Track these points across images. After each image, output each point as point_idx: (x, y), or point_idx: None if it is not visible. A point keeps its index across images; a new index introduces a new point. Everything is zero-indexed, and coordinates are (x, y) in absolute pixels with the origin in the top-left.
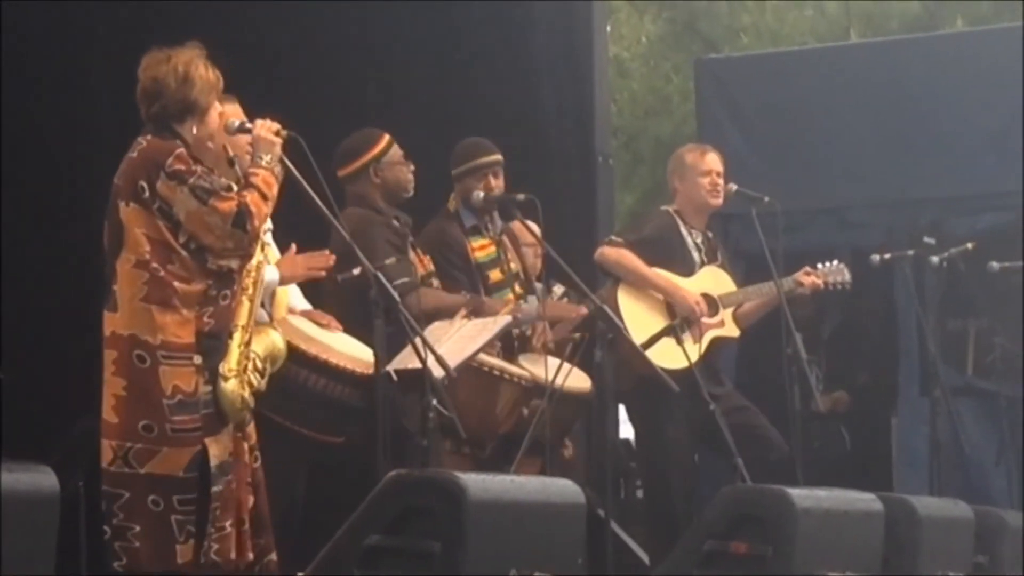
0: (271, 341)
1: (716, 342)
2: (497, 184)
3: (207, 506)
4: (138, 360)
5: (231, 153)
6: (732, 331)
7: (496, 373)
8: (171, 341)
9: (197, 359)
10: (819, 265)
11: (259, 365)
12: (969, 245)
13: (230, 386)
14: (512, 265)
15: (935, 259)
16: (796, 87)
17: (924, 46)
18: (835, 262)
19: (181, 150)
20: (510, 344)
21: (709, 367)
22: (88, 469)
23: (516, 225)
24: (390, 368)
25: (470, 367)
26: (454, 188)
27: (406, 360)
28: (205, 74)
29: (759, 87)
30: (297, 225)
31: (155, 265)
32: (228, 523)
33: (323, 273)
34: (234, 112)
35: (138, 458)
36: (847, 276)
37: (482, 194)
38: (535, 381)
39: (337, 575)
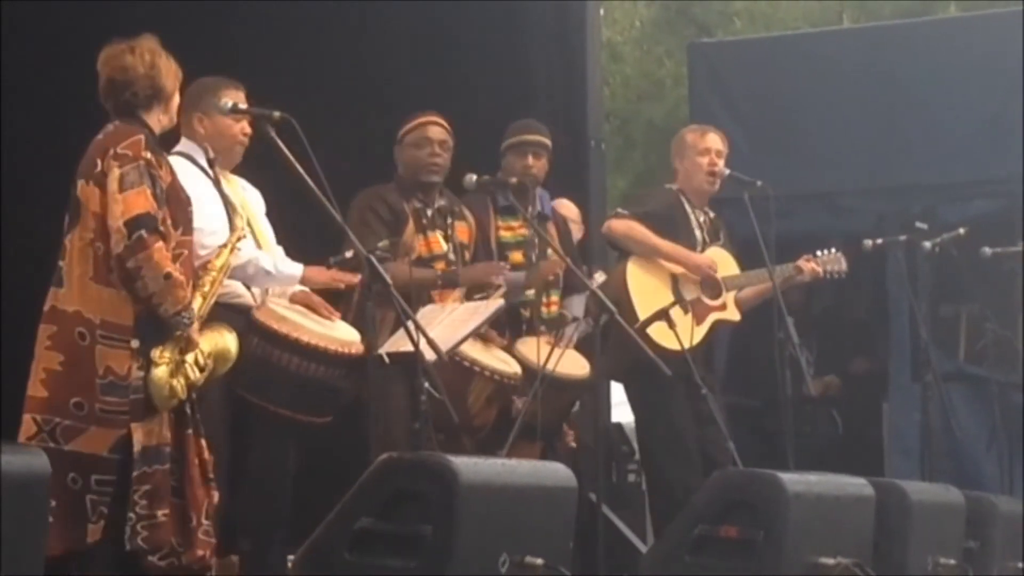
0: (223, 341)
1: (717, 325)
2: (536, 164)
3: (127, 490)
4: (79, 337)
5: None
6: (733, 315)
7: (467, 365)
8: (111, 321)
9: (134, 343)
10: (818, 253)
11: (201, 360)
12: (961, 231)
13: (159, 372)
14: (548, 252)
15: (927, 244)
16: (789, 72)
17: (917, 32)
18: (832, 250)
19: (139, 137)
20: (518, 326)
21: (706, 352)
22: None
23: (562, 207)
24: (382, 351)
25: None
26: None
27: (398, 343)
28: (167, 63)
29: (752, 72)
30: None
31: (99, 243)
32: (162, 512)
33: (342, 286)
34: (239, 100)
35: (65, 435)
36: (843, 265)
37: (474, 177)
38: (513, 377)
39: (328, 558)
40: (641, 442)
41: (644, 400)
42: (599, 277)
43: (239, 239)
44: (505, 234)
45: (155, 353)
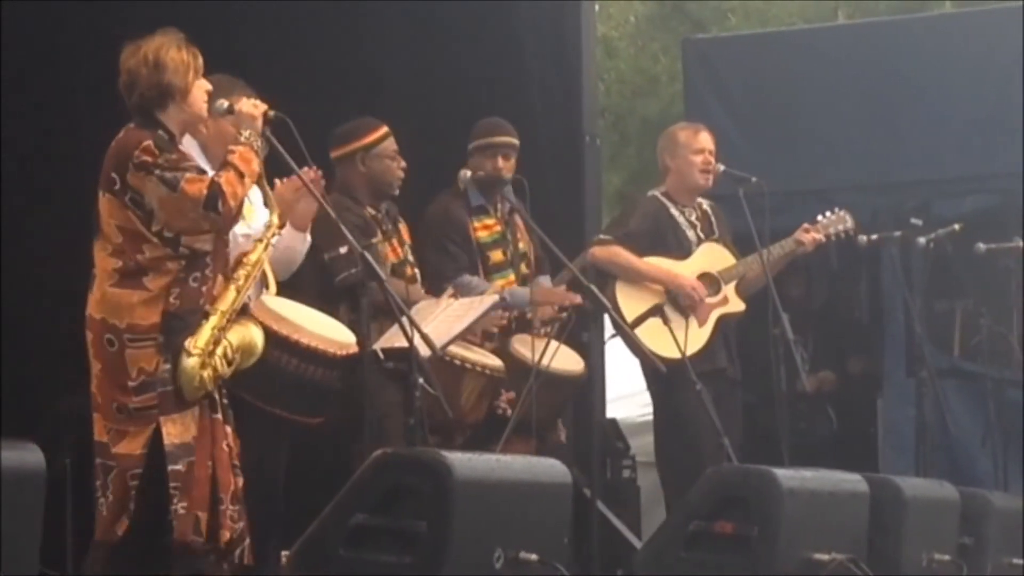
0: (250, 336)
1: (722, 319)
2: (506, 166)
3: (164, 484)
4: (108, 344)
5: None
6: (737, 306)
7: (458, 363)
8: (137, 324)
9: (160, 338)
10: (819, 217)
11: (229, 354)
12: (956, 226)
13: (191, 362)
14: (520, 246)
15: (922, 240)
16: (784, 68)
17: (912, 28)
18: (835, 210)
19: (148, 142)
20: (509, 324)
21: (726, 343)
22: (75, 447)
23: None
24: (377, 347)
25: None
26: (467, 163)
27: (393, 339)
28: (177, 56)
29: (747, 68)
30: None
31: (128, 253)
32: (183, 506)
33: (323, 181)
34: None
35: (114, 439)
36: (849, 223)
37: (469, 173)
38: (500, 370)
39: (323, 554)
40: (658, 446)
41: (664, 404)
42: (544, 282)
43: (274, 235)
44: (482, 233)
45: (189, 343)
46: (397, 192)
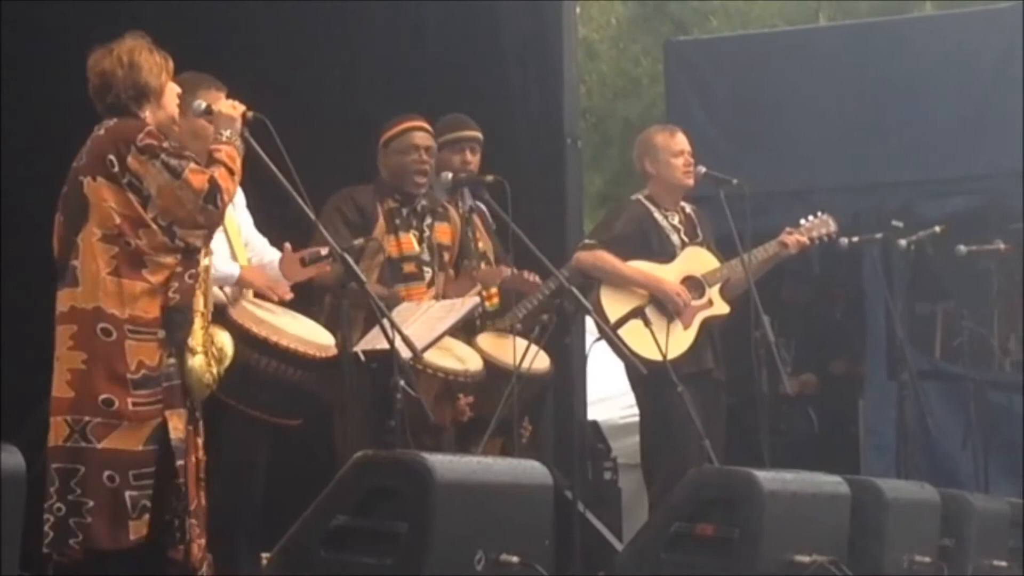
0: (220, 341)
1: (707, 322)
2: (473, 160)
3: (172, 480)
4: (103, 333)
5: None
6: (721, 309)
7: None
8: (139, 316)
9: (161, 333)
10: (802, 221)
11: (217, 354)
12: (937, 228)
13: (198, 361)
14: (480, 244)
15: (903, 242)
16: (765, 70)
17: (893, 29)
18: (818, 214)
19: (152, 127)
20: (471, 322)
21: (713, 346)
22: None
23: None
24: (358, 349)
25: None
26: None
27: (374, 341)
28: (150, 57)
29: (728, 70)
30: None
31: (126, 239)
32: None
33: (328, 268)
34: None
35: (95, 433)
36: (832, 227)
37: (450, 175)
38: (463, 374)
39: (303, 556)
40: (643, 447)
41: (648, 406)
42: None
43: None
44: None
45: (192, 341)
46: (419, 188)
